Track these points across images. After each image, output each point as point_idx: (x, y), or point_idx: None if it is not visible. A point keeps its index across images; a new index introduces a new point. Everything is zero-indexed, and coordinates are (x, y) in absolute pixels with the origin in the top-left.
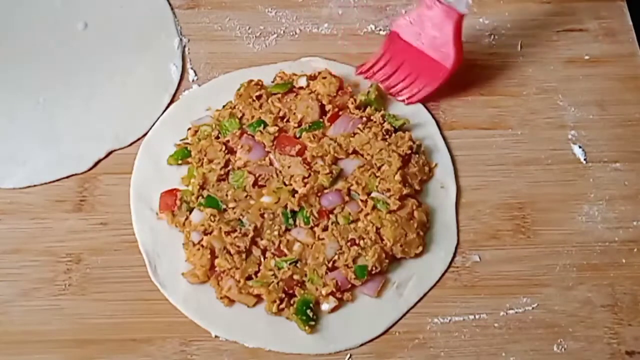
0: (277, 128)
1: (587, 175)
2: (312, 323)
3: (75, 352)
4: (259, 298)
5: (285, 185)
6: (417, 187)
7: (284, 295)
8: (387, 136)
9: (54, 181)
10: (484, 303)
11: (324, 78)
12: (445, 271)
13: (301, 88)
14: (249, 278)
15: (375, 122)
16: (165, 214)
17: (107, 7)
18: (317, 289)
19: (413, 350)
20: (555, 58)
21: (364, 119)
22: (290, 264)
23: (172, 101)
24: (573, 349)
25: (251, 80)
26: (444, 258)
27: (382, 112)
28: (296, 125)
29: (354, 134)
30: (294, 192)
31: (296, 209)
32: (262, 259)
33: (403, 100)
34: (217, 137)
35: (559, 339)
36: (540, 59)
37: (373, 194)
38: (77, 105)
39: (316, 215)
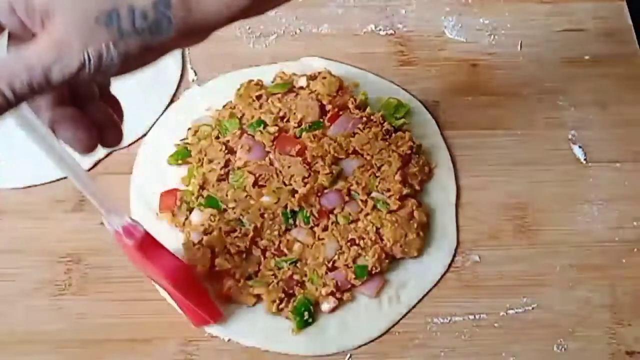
0: (277, 128)
1: (587, 175)
2: (306, 326)
3: (75, 352)
4: (258, 298)
5: (285, 185)
6: (417, 187)
7: (283, 295)
8: (387, 136)
9: (54, 181)
10: (484, 303)
11: (324, 78)
12: (446, 271)
13: (301, 88)
14: (249, 278)
15: (375, 122)
16: (165, 214)
17: None
18: (317, 289)
19: (413, 350)
20: (555, 58)
21: (364, 119)
22: (290, 264)
23: (172, 101)
24: (573, 349)
25: (251, 80)
26: (443, 258)
27: (382, 112)
28: (296, 125)
29: (354, 134)
30: (294, 192)
31: (296, 209)
32: (262, 259)
33: None
34: (217, 137)
35: (559, 339)
36: (540, 59)
37: (373, 194)
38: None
39: (316, 215)
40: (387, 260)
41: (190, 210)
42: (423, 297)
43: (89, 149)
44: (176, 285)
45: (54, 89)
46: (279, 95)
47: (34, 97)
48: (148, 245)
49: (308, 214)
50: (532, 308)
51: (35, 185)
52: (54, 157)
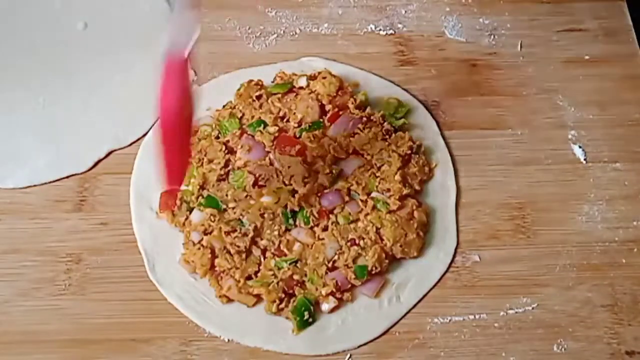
0: (277, 128)
1: (587, 175)
2: (306, 326)
3: (75, 352)
4: (258, 298)
5: (285, 185)
6: (417, 187)
7: (283, 295)
8: (387, 136)
9: (54, 181)
10: (484, 303)
11: (324, 78)
12: (445, 271)
13: (301, 88)
14: (249, 278)
15: (375, 122)
16: (165, 214)
17: (107, 7)
18: (317, 289)
19: (413, 350)
20: (555, 58)
21: (364, 119)
22: (290, 264)
23: None
24: (573, 349)
25: (251, 80)
26: (443, 258)
27: (382, 112)
28: (296, 125)
29: (354, 134)
30: (294, 192)
31: (296, 209)
32: (262, 259)
33: None
34: (217, 137)
35: (559, 339)
36: (540, 59)
37: (373, 194)
38: (77, 105)
39: (316, 215)
40: (387, 260)
41: (190, 210)
42: (423, 297)
43: None
44: (161, 123)
45: None
46: (279, 95)
47: None
48: (175, 71)
49: (308, 214)
50: (532, 308)
51: (35, 185)
52: None
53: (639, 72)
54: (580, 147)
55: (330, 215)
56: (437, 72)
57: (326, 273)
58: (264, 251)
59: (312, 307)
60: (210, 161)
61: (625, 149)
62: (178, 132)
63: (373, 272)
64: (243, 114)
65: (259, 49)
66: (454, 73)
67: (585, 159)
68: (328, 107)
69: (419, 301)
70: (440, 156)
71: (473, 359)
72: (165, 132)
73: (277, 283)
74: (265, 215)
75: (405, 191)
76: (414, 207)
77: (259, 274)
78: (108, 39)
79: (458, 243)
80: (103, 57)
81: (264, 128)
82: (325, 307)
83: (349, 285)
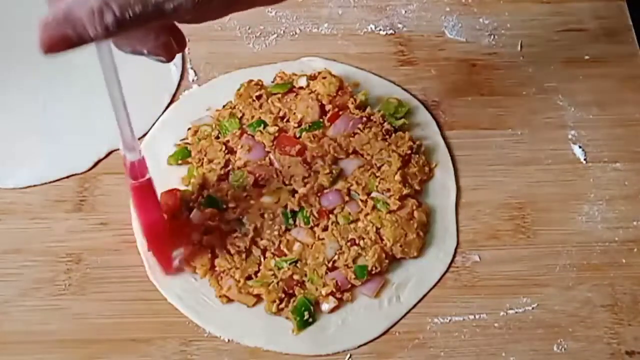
0: (277, 128)
1: (587, 175)
2: (306, 326)
3: (75, 352)
4: (258, 298)
5: (285, 185)
6: (417, 187)
7: (283, 295)
8: (387, 136)
9: (54, 181)
10: (484, 303)
11: (324, 78)
12: (445, 271)
13: (301, 88)
14: (249, 278)
15: (375, 122)
16: (165, 214)
17: None
18: (317, 289)
19: (413, 350)
20: (555, 58)
21: (364, 119)
22: (290, 264)
23: (172, 101)
24: (573, 349)
25: (251, 80)
26: (443, 258)
27: (382, 112)
28: (296, 125)
29: (354, 134)
30: (294, 192)
31: (296, 209)
32: (262, 259)
33: None
34: (217, 137)
35: (559, 339)
36: (540, 59)
37: (373, 194)
38: (77, 104)
39: (316, 215)
40: (387, 260)
41: (190, 210)
42: (423, 297)
43: (173, 55)
44: (147, 235)
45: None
46: (279, 95)
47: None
48: (143, 192)
49: (308, 214)
50: (532, 308)
51: (35, 185)
52: (111, 83)
53: (639, 72)
54: (580, 147)
55: (330, 215)
56: (437, 72)
57: (326, 273)
58: (264, 251)
59: (312, 307)
60: (210, 161)
61: (625, 149)
62: (161, 231)
63: (373, 272)
64: (243, 114)
65: (259, 49)
66: (454, 73)
67: (585, 159)
68: (328, 107)
69: (419, 301)
70: (440, 156)
71: (473, 359)
72: (150, 237)
73: (277, 283)
74: (265, 215)
75: (405, 191)
76: (414, 207)
77: (259, 274)
78: None
79: (458, 243)
80: None
81: (264, 128)
82: (325, 307)
83: (349, 285)
